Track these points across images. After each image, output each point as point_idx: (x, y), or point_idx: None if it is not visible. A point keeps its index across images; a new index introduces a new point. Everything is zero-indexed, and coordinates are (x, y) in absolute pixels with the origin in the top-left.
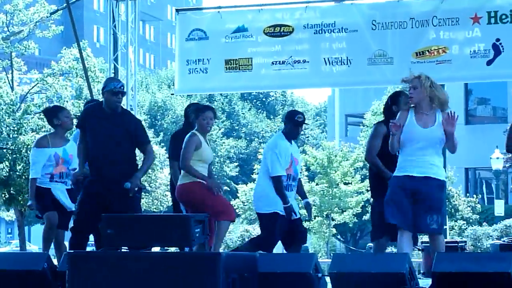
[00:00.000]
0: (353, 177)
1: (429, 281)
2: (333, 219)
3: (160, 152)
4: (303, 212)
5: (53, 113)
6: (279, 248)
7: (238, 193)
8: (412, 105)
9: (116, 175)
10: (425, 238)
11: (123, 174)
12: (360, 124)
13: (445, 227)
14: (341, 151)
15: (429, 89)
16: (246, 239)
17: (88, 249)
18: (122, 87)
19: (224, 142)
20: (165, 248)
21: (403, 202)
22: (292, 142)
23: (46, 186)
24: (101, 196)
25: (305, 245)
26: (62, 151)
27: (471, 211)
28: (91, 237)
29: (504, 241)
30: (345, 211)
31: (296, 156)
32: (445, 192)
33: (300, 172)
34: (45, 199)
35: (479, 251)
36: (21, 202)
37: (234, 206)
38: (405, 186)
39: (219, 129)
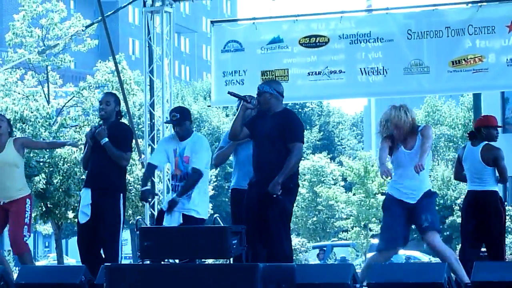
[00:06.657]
0: None
1: None
2: (370, 230)
3: None
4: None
5: None
6: None
7: None
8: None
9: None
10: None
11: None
12: None
13: None
14: None
15: (409, 125)
16: None
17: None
18: None
19: None
20: (203, 260)
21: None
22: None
23: None
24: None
25: None
26: None
27: (510, 220)
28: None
29: None
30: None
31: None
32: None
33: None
34: None
35: None
36: (58, 215)
37: None
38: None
39: None
